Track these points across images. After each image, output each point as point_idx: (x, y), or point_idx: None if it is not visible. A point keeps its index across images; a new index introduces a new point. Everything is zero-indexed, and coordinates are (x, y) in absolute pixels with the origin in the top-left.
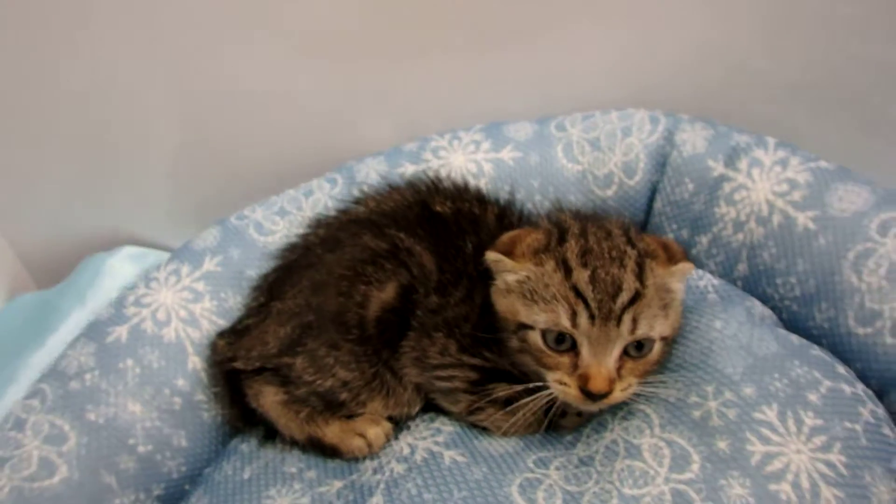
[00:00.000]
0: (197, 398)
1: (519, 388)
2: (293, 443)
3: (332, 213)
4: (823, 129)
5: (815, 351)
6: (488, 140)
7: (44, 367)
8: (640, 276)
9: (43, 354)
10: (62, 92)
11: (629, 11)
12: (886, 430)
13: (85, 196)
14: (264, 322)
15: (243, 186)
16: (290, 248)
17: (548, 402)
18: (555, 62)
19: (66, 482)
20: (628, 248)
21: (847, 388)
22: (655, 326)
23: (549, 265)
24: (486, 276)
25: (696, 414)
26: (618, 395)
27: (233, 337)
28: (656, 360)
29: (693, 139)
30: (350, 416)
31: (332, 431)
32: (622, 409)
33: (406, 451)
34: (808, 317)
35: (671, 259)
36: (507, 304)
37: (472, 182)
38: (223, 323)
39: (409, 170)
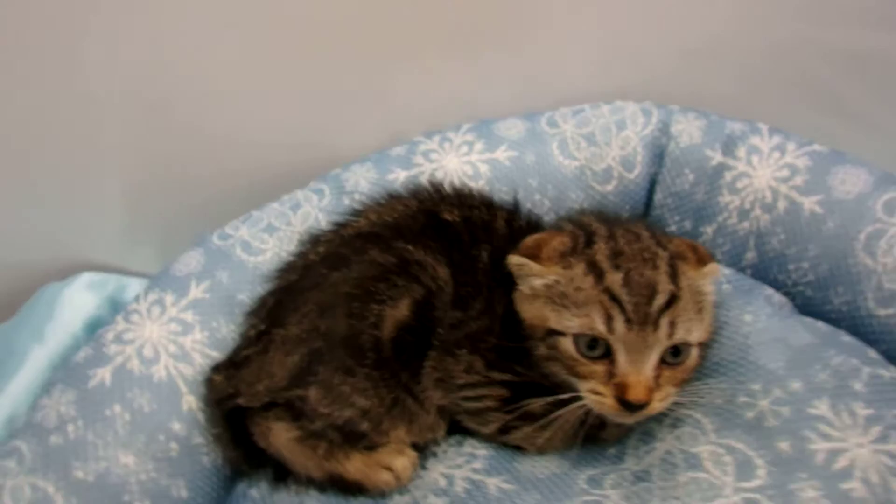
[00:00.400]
0: (195, 442)
1: (551, 399)
2: (310, 483)
3: (329, 227)
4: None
5: (845, 337)
6: (481, 140)
7: (5, 418)
8: (674, 278)
9: (3, 403)
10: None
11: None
12: None
13: (32, 221)
14: (267, 352)
15: (208, 201)
16: (288, 268)
17: (583, 414)
18: (537, 57)
19: None
20: (659, 250)
21: (885, 373)
22: (693, 330)
23: (579, 268)
24: (506, 284)
25: (750, 415)
26: (656, 405)
27: (231, 370)
28: (693, 366)
29: (688, 129)
30: (370, 447)
31: (354, 466)
32: (668, 416)
33: (443, 482)
34: (824, 301)
35: (700, 261)
36: (533, 311)
37: (471, 186)
38: (217, 355)
39: (400, 176)
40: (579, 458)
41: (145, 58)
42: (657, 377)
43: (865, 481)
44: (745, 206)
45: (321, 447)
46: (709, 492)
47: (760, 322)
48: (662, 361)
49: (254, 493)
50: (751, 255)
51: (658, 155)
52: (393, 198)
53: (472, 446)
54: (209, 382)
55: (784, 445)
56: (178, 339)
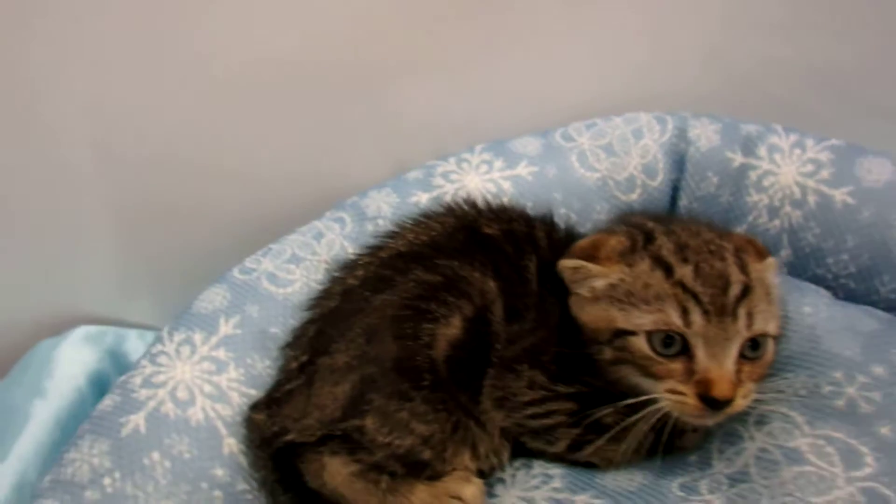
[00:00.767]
0: (239, 488)
1: (622, 404)
2: None
3: (365, 251)
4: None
5: None
6: (499, 158)
7: (15, 482)
8: (744, 268)
9: (12, 465)
10: None
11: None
12: None
13: (22, 275)
14: (312, 384)
15: (206, 247)
16: (326, 295)
17: (656, 420)
18: (542, 73)
19: None
20: (723, 242)
21: None
22: (769, 321)
23: (644, 265)
24: (557, 292)
25: (839, 403)
26: (740, 402)
27: (273, 408)
28: (771, 361)
29: (705, 133)
30: (434, 477)
31: (420, 499)
32: (751, 415)
33: None
34: (869, 291)
35: (760, 254)
36: (596, 313)
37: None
38: (255, 393)
39: (422, 198)
40: (662, 469)
41: (136, 100)
42: (738, 372)
43: None
44: (775, 204)
45: (383, 481)
46: (821, 485)
47: (822, 312)
48: (741, 356)
49: None
50: (785, 253)
51: (678, 161)
52: (428, 217)
53: (541, 467)
54: (250, 422)
55: (885, 430)
56: (213, 378)
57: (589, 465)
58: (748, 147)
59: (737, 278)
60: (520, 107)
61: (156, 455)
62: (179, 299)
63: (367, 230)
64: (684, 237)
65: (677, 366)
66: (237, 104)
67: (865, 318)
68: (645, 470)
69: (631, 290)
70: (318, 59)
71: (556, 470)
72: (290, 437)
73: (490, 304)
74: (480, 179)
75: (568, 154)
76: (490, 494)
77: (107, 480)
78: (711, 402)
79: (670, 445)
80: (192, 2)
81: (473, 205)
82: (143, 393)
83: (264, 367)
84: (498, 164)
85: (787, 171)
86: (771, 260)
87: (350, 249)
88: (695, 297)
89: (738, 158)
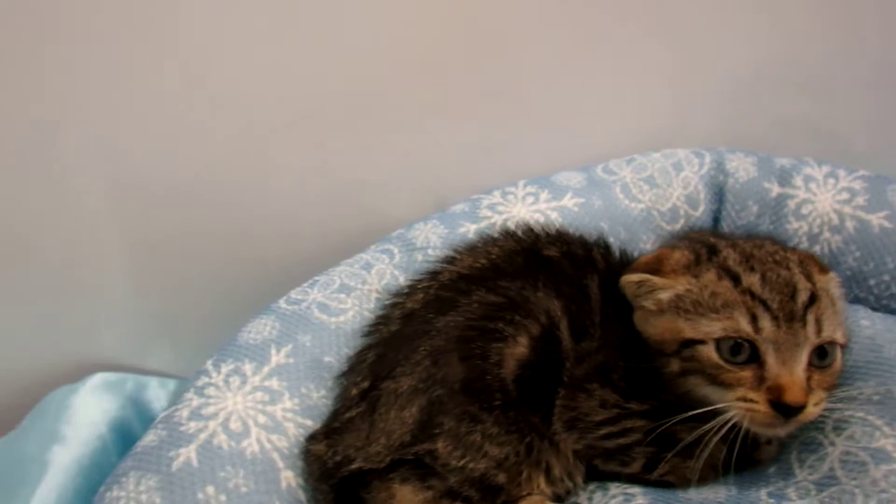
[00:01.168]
0: None
1: (691, 413)
2: None
3: (422, 276)
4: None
5: None
6: (545, 190)
7: None
8: (809, 277)
9: None
10: None
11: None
12: None
13: (35, 321)
14: (375, 410)
15: (226, 292)
16: (385, 321)
17: (728, 433)
18: (579, 111)
19: None
20: (788, 254)
21: None
22: (836, 329)
23: (710, 275)
24: (619, 310)
25: None
26: (811, 409)
27: (333, 437)
28: (839, 370)
29: (743, 165)
30: (509, 503)
31: None
32: (827, 422)
33: None
34: None
35: (822, 269)
36: (662, 325)
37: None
38: (311, 424)
39: (471, 229)
40: (743, 482)
41: (153, 144)
42: (808, 380)
43: None
44: (814, 231)
45: None
46: None
47: (879, 324)
48: (810, 364)
49: None
50: None
51: (717, 192)
52: (486, 241)
53: (618, 487)
54: (308, 454)
55: None
56: (267, 408)
57: (665, 485)
58: (784, 178)
59: (804, 286)
60: (556, 145)
61: (210, 489)
62: (198, 347)
63: (417, 260)
64: (748, 248)
65: (747, 373)
66: (267, 143)
67: None
68: (727, 485)
69: (698, 300)
70: (355, 98)
71: (634, 489)
72: (356, 465)
73: (557, 322)
74: (527, 210)
75: (612, 186)
76: None
77: None
78: (783, 409)
79: (746, 460)
80: (228, 38)
81: (530, 229)
82: (193, 425)
83: (320, 397)
84: (544, 195)
85: (824, 199)
86: (833, 274)
87: (401, 279)
88: (763, 303)
89: (775, 188)
